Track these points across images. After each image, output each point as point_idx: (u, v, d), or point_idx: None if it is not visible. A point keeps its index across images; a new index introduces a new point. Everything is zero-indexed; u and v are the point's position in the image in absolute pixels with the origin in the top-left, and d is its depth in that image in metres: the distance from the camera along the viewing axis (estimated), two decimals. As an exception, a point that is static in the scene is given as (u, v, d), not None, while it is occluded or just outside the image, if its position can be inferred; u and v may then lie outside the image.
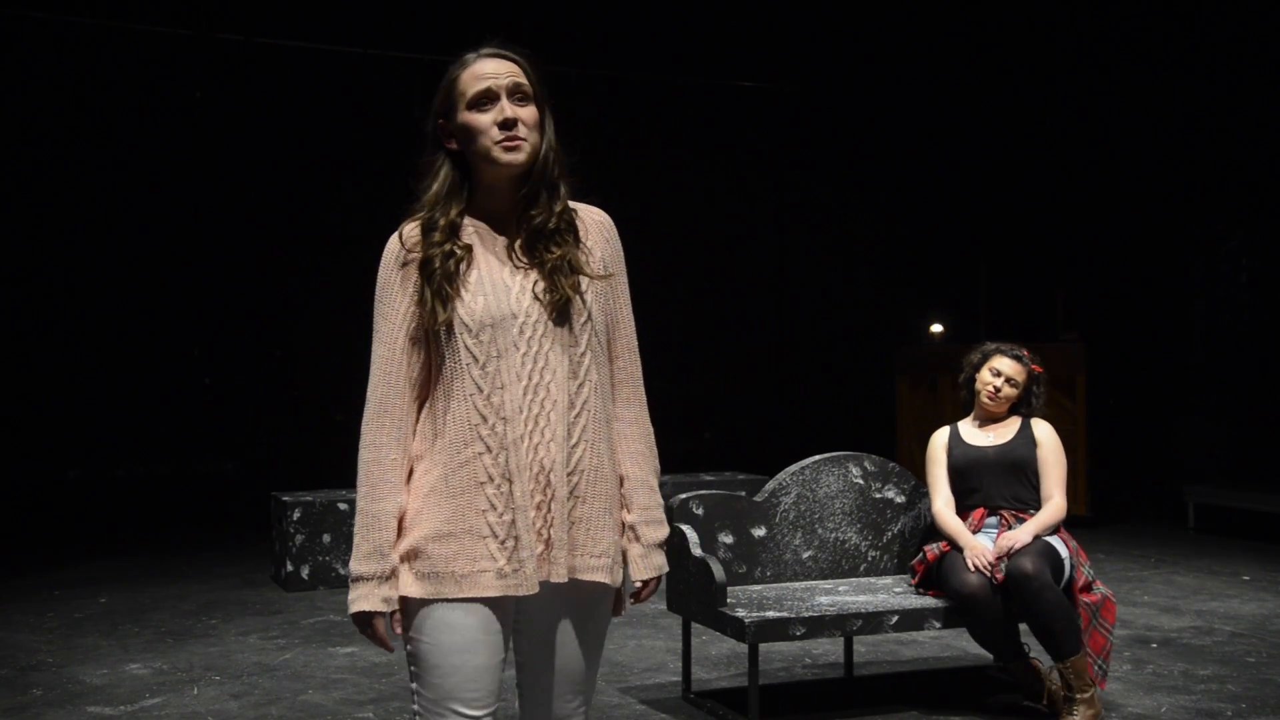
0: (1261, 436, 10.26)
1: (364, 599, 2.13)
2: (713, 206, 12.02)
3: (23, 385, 10.10)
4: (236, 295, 10.56)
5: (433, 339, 2.18)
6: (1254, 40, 10.14)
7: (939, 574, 4.39)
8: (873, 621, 4.24)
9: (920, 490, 4.80)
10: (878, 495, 4.77)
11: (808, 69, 11.81)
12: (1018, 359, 4.58)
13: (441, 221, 2.18)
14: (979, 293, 11.84)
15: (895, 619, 4.26)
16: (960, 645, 5.41)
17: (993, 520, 4.45)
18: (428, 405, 2.21)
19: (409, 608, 2.15)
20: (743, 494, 4.68)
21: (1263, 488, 9.04)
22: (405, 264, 2.18)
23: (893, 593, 4.50)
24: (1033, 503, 4.46)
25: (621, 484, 2.29)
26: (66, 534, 9.21)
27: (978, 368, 4.63)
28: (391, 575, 2.14)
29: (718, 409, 12.15)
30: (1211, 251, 11.08)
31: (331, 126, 10.08)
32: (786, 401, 12.37)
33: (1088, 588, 4.35)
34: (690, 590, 4.41)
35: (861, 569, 4.76)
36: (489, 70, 2.17)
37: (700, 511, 4.53)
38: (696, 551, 4.38)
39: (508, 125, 2.15)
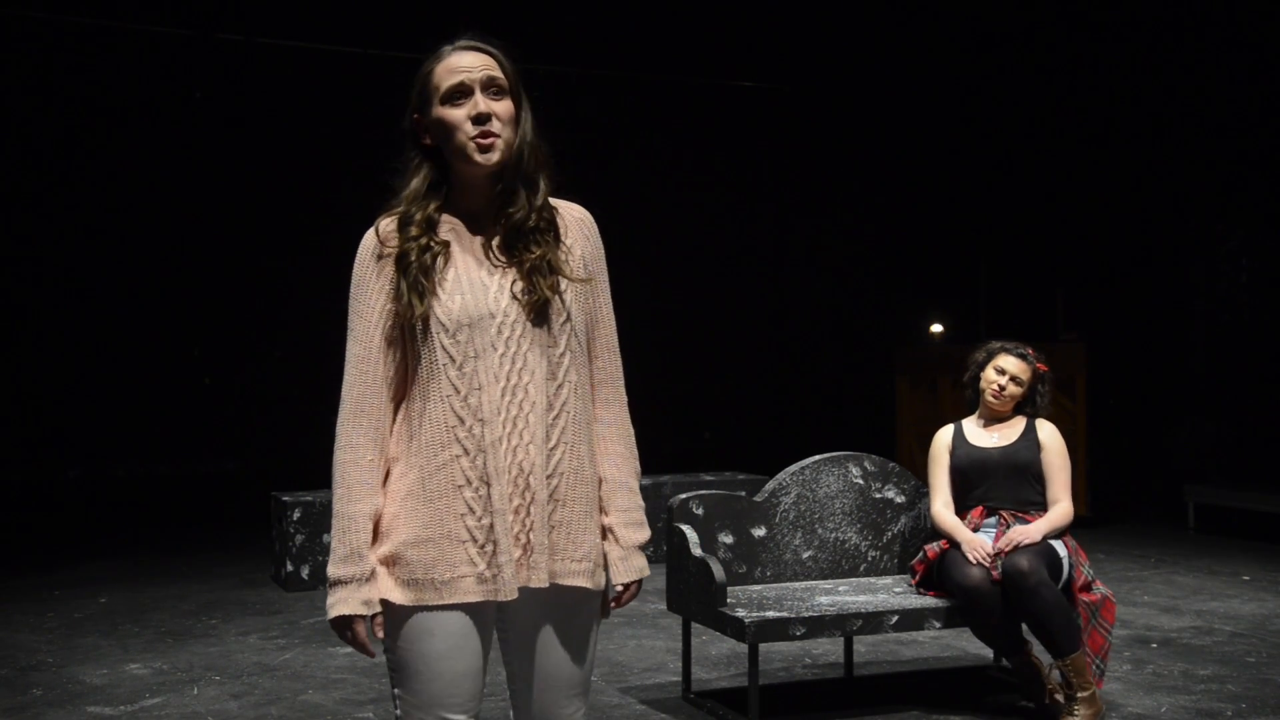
0: (1261, 436, 10.26)
1: (343, 603, 2.08)
2: (713, 206, 12.02)
3: (23, 385, 10.10)
4: (236, 295, 10.56)
5: (409, 338, 2.13)
6: (1254, 40, 10.14)
7: (939, 571, 4.39)
8: (873, 621, 4.24)
9: (920, 490, 4.80)
10: (878, 495, 4.77)
11: (808, 69, 11.81)
12: (1023, 357, 4.57)
13: (418, 216, 2.14)
14: (979, 293, 11.84)
15: (895, 619, 4.26)
16: (960, 645, 5.41)
17: (991, 520, 4.45)
18: (403, 406, 2.16)
19: (389, 614, 2.11)
20: (743, 494, 4.68)
21: (1263, 488, 9.04)
22: (381, 259, 2.14)
23: (893, 593, 4.50)
24: (1035, 504, 4.46)
25: (600, 486, 2.24)
26: (66, 534, 9.21)
27: (982, 366, 4.62)
28: (371, 577, 2.09)
29: (718, 409, 12.15)
30: (1211, 251, 11.08)
31: (332, 126, 10.08)
32: (786, 401, 12.37)
33: (1087, 587, 4.34)
34: (690, 590, 4.41)
35: (861, 569, 4.76)
36: (463, 64, 2.12)
37: (700, 511, 4.53)
38: (696, 551, 4.38)
39: (481, 120, 2.10)
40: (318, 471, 8.35)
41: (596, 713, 4.40)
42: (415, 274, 2.10)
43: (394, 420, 2.16)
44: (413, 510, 2.10)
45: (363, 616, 2.09)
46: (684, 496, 4.56)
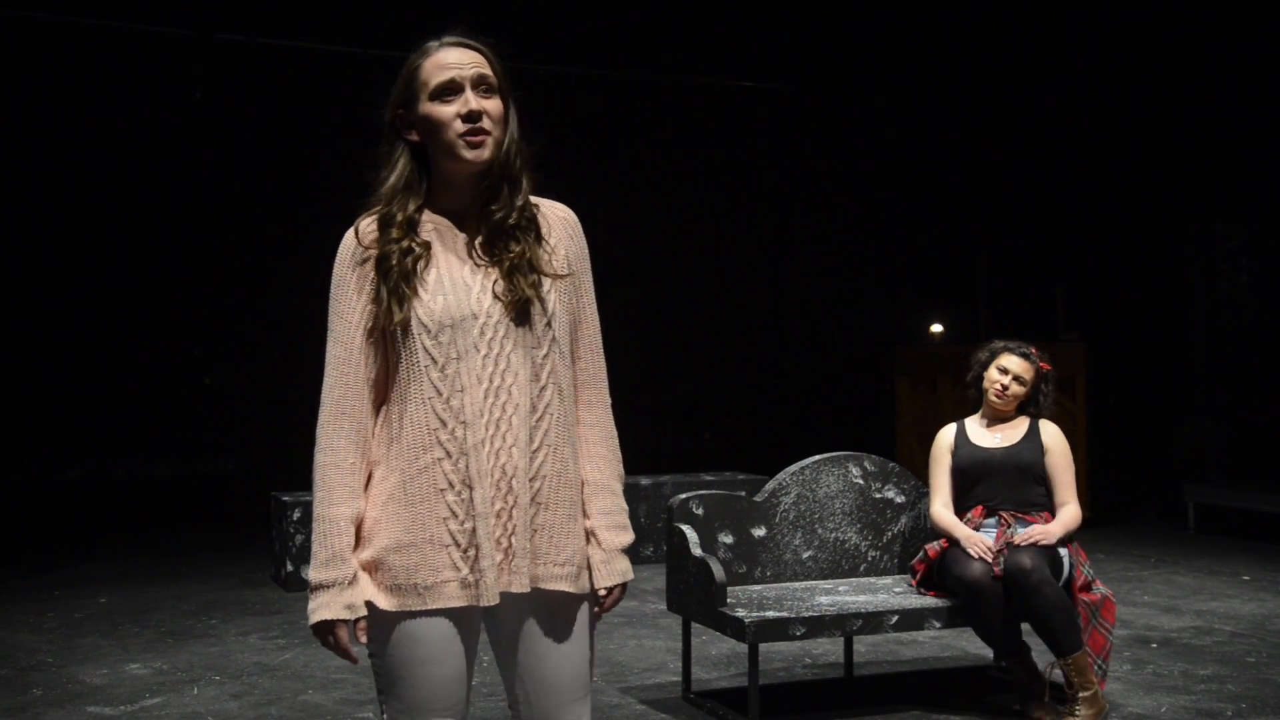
0: (1261, 436, 10.25)
1: (325, 607, 2.04)
2: (712, 206, 12.02)
3: (23, 385, 10.09)
4: (236, 295, 10.56)
5: (390, 339, 2.10)
6: (1254, 40, 10.14)
7: (940, 569, 4.39)
8: (873, 621, 4.24)
9: (920, 490, 4.80)
10: (878, 495, 4.77)
11: (808, 69, 11.80)
12: (1026, 357, 4.56)
13: (399, 216, 2.10)
14: (979, 293, 11.83)
15: (895, 619, 4.26)
16: (960, 645, 5.41)
17: (991, 520, 4.45)
18: (384, 409, 2.13)
19: (373, 620, 2.09)
20: (743, 494, 4.68)
21: (1263, 488, 9.04)
22: (362, 261, 2.10)
23: (893, 593, 4.50)
24: (1036, 505, 4.45)
25: (583, 488, 2.21)
26: (66, 534, 9.22)
27: (985, 366, 4.60)
28: (353, 581, 2.06)
29: (718, 409, 12.15)
30: (1211, 251, 11.08)
31: (332, 126, 10.07)
32: (786, 401, 12.36)
33: (1087, 587, 4.34)
34: (690, 590, 4.41)
35: (861, 569, 4.76)
36: (453, 60, 2.09)
37: (700, 511, 4.53)
38: (696, 551, 4.38)
39: (472, 118, 2.07)
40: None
41: (596, 713, 4.40)
42: (396, 278, 2.07)
43: (375, 423, 2.13)
44: (394, 515, 2.07)
45: (345, 621, 2.05)
46: (684, 496, 4.56)
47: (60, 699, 4.75)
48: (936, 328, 11.97)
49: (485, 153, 2.08)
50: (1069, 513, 4.41)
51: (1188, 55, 10.59)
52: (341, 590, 2.05)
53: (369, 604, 2.08)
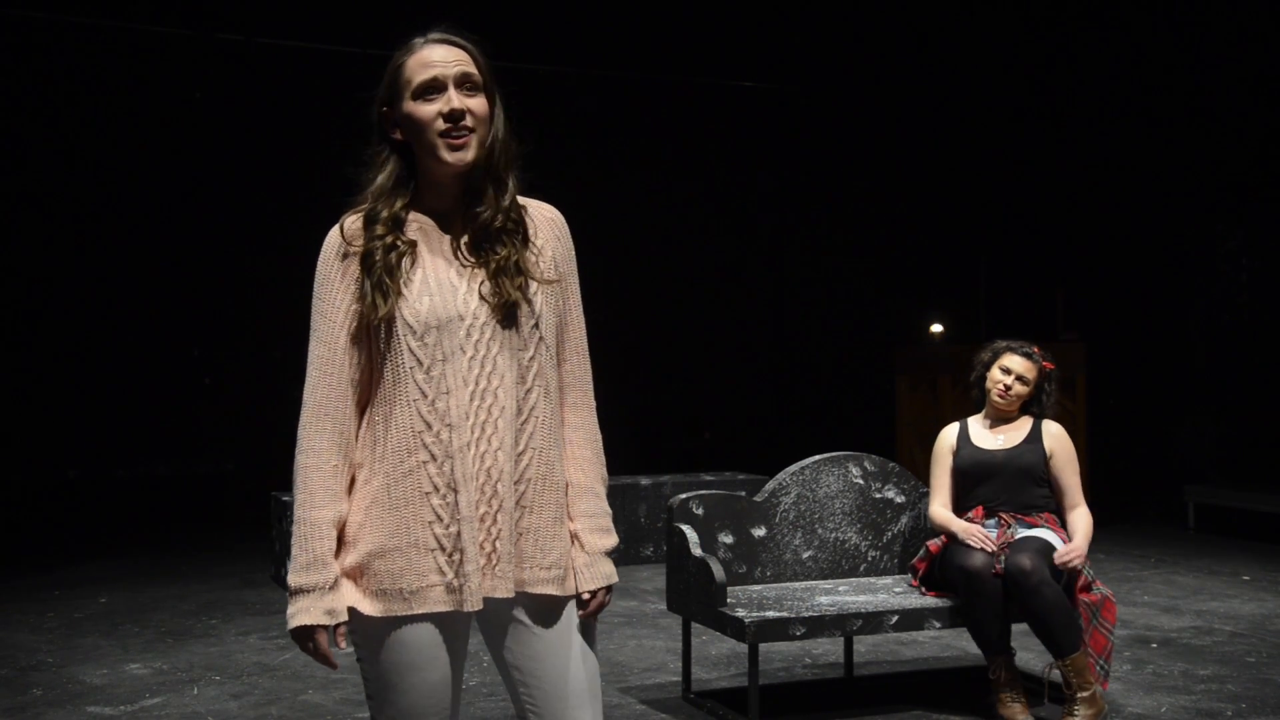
0: (1261, 436, 10.25)
1: (304, 613, 2.01)
2: (712, 206, 12.02)
3: (23, 385, 10.09)
4: (236, 295, 10.56)
5: (374, 340, 2.06)
6: (1254, 40, 10.14)
7: (942, 563, 4.38)
8: (873, 621, 4.24)
9: (921, 490, 4.80)
10: (878, 495, 4.77)
11: (808, 69, 11.80)
12: (1028, 356, 4.54)
13: (384, 214, 2.07)
14: (979, 293, 11.84)
15: (895, 619, 4.26)
16: (960, 645, 5.41)
17: (991, 521, 4.45)
18: (368, 410, 2.09)
19: (358, 626, 2.07)
20: (743, 494, 4.68)
21: (1263, 488, 9.04)
22: (346, 258, 2.07)
23: (893, 593, 4.50)
24: (1037, 507, 4.44)
25: (566, 491, 2.18)
26: (66, 534, 9.22)
27: (988, 366, 4.59)
28: (334, 586, 2.03)
29: (718, 409, 12.15)
30: (1211, 251, 11.08)
31: (332, 126, 10.06)
32: (786, 401, 12.36)
33: (1087, 587, 4.34)
34: (690, 590, 4.41)
35: (861, 569, 4.76)
36: (436, 58, 2.05)
37: (700, 511, 4.53)
38: (696, 551, 4.38)
39: (454, 117, 2.03)
40: (318, 471, 8.39)
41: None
42: (380, 274, 2.04)
43: (359, 424, 2.10)
44: (378, 519, 2.05)
45: (325, 627, 2.02)
46: (684, 496, 4.56)
47: (60, 699, 4.75)
48: (936, 328, 11.98)
49: (468, 154, 2.06)
50: (1085, 521, 4.39)
51: (1188, 55, 10.59)
52: (322, 595, 2.02)
53: (354, 610, 2.05)
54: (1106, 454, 10.01)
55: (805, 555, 4.68)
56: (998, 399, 4.53)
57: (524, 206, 2.16)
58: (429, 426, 2.04)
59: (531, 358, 2.10)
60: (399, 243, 2.06)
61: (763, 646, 4.55)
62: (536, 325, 2.10)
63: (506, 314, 2.07)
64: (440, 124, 2.04)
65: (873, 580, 4.72)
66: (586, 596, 2.17)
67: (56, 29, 9.76)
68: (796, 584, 4.63)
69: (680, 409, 11.89)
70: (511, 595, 2.07)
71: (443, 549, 2.04)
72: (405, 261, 2.06)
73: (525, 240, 2.12)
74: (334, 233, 2.12)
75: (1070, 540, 4.35)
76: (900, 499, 4.80)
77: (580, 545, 2.17)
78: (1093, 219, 11.50)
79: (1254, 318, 10.77)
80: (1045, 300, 10.82)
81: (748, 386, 12.30)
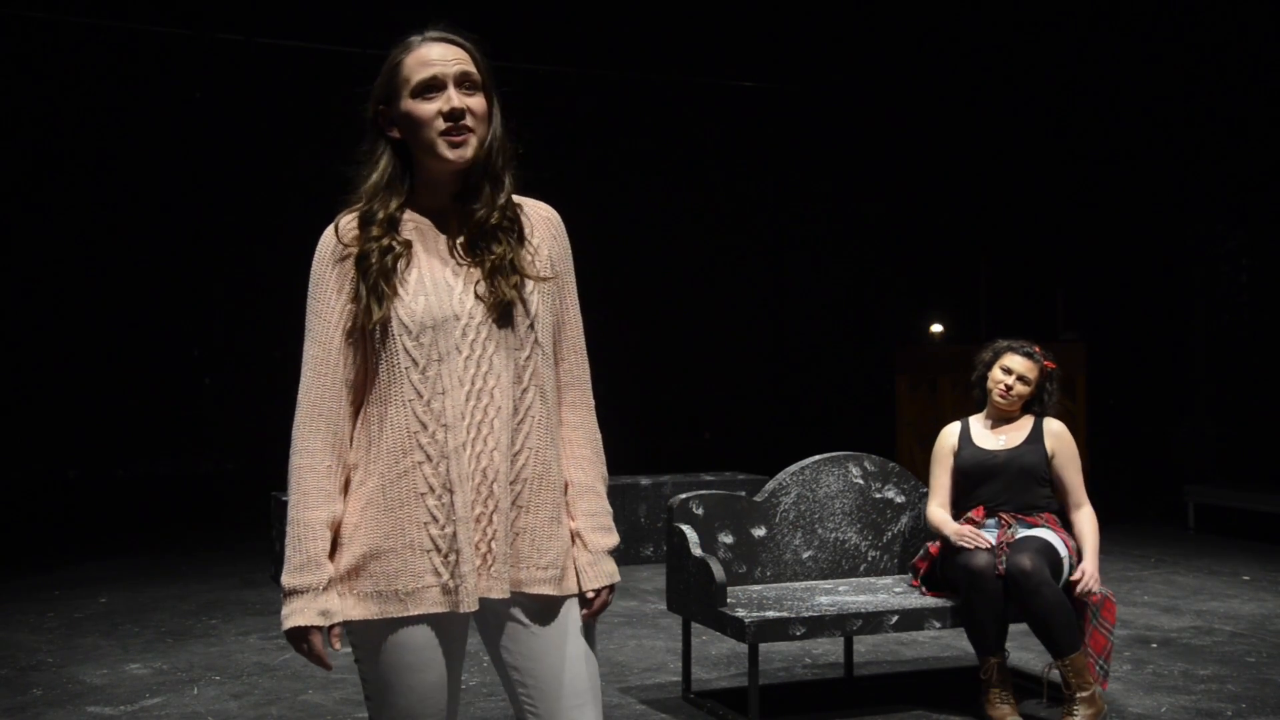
0: (1261, 437, 10.26)
1: (298, 614, 2.00)
2: (712, 206, 12.02)
3: (23, 385, 10.10)
4: (236, 296, 10.56)
5: (370, 341, 2.05)
6: (1254, 40, 10.14)
7: (944, 562, 4.38)
8: (873, 621, 4.24)
9: (920, 490, 4.80)
10: (878, 495, 4.77)
11: (808, 69, 11.81)
12: (1029, 356, 4.53)
13: (380, 214, 2.06)
14: (979, 292, 11.84)
15: (895, 619, 4.26)
16: (960, 645, 5.41)
17: (991, 521, 4.44)
18: (363, 411, 2.08)
19: (355, 629, 2.06)
20: (743, 494, 4.68)
21: (1263, 488, 9.04)
22: (341, 259, 2.06)
23: (893, 593, 4.50)
24: (1039, 508, 4.44)
25: (566, 490, 2.17)
26: (66, 534, 9.22)
27: (989, 366, 4.57)
28: (328, 587, 2.01)
29: (718, 409, 12.15)
30: (1211, 251, 11.08)
31: (332, 127, 10.04)
32: (786, 401, 12.36)
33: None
34: (690, 590, 4.41)
35: (861, 569, 4.76)
36: (435, 56, 2.04)
37: (700, 511, 4.53)
38: (696, 551, 4.38)
39: (454, 116, 2.02)
40: (318, 471, 8.41)
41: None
42: (375, 277, 2.03)
43: (354, 425, 2.09)
44: (373, 520, 2.03)
45: (319, 628, 2.01)
46: (684, 496, 4.55)
47: (60, 699, 4.75)
48: (936, 328, 11.98)
49: (468, 152, 2.04)
50: (1092, 530, 4.37)
51: (1188, 55, 10.59)
52: (316, 596, 2.01)
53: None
54: (1106, 454, 10.01)
55: (805, 555, 4.68)
56: (999, 399, 4.51)
57: (520, 205, 2.15)
58: (424, 427, 2.03)
59: (528, 357, 2.09)
60: (394, 244, 2.05)
61: (763, 646, 4.55)
62: (533, 325, 2.09)
63: (502, 313, 2.06)
64: (440, 123, 2.03)
65: (873, 580, 4.71)
66: (590, 595, 2.16)
67: (56, 29, 9.76)
68: (796, 584, 4.63)
69: (680, 409, 11.90)
70: (507, 596, 2.06)
71: (438, 550, 2.03)
72: (400, 263, 2.06)
73: (521, 239, 2.11)
74: (329, 233, 2.11)
75: (1067, 542, 4.35)
76: (900, 499, 4.80)
77: (583, 544, 2.16)
78: (1093, 219, 11.51)
79: (1254, 318, 10.77)
80: (1045, 300, 10.82)
81: (748, 386, 12.30)
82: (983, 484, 4.46)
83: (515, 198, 2.14)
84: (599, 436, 2.24)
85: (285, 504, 7.05)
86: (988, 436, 4.54)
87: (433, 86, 2.04)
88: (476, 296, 2.05)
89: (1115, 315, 11.24)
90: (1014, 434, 4.52)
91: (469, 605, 2.02)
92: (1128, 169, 11.23)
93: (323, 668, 2.06)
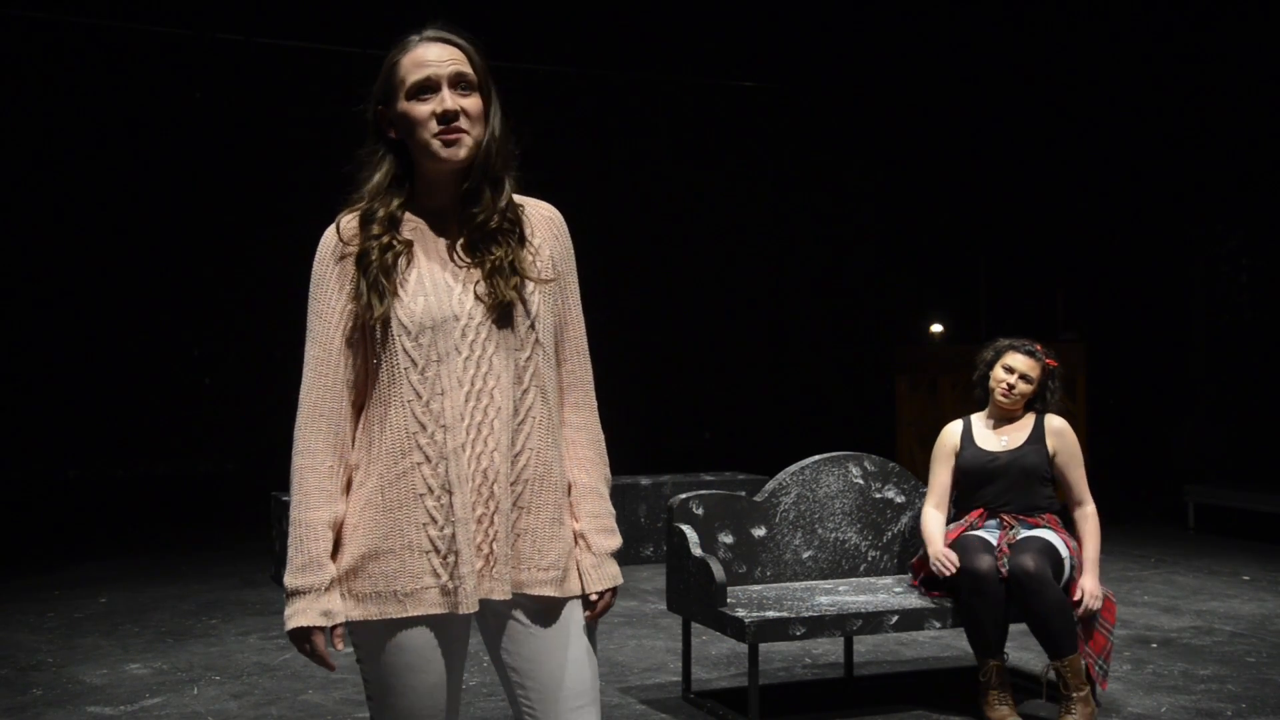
0: (1261, 436, 10.26)
1: (301, 614, 2.00)
2: (712, 206, 12.02)
3: (23, 385, 10.10)
4: (236, 295, 10.56)
5: (369, 341, 2.05)
6: (1253, 40, 10.14)
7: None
8: (873, 621, 4.24)
9: (920, 490, 4.80)
10: (878, 495, 4.77)
11: (808, 69, 11.81)
12: (1031, 354, 4.51)
13: (381, 213, 2.06)
14: (979, 292, 11.85)
15: (895, 619, 4.26)
16: (960, 645, 5.40)
17: (993, 522, 4.44)
18: (364, 411, 2.08)
19: (356, 629, 2.06)
20: (743, 494, 4.68)
21: (1263, 488, 9.04)
22: (342, 258, 2.06)
23: (893, 593, 4.50)
24: (1042, 508, 4.43)
25: (570, 492, 2.16)
26: (66, 534, 9.22)
27: (991, 365, 4.54)
28: (330, 587, 2.02)
29: (718, 409, 12.15)
30: (1211, 251, 11.08)
31: (332, 127, 10.05)
32: (786, 401, 12.36)
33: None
34: (690, 590, 4.41)
35: (861, 569, 4.76)
36: (430, 57, 2.04)
37: (700, 511, 4.53)
38: (696, 551, 4.38)
39: (447, 118, 2.02)
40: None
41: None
42: (375, 274, 2.02)
43: (356, 425, 2.09)
44: (372, 520, 2.03)
45: (321, 628, 2.01)
46: (684, 496, 4.56)
47: (60, 699, 4.75)
48: (936, 328, 11.99)
49: (460, 152, 2.03)
50: (1093, 530, 4.37)
51: (1187, 55, 10.59)
52: (318, 596, 2.01)
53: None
54: (1107, 454, 10.01)
55: (805, 555, 4.68)
56: (1002, 398, 4.49)
57: (520, 205, 2.14)
58: (424, 428, 2.02)
59: (528, 358, 2.08)
60: (395, 242, 2.05)
61: (763, 646, 4.55)
62: (533, 325, 2.08)
63: (502, 314, 2.05)
64: (434, 124, 2.03)
65: (873, 580, 4.71)
66: (594, 598, 2.16)
67: (56, 29, 9.76)
68: (796, 584, 4.63)
69: (680, 409, 11.90)
70: (508, 597, 2.06)
71: (437, 551, 2.02)
72: (401, 262, 2.05)
73: (521, 240, 2.11)
74: (330, 232, 2.10)
75: (1067, 542, 4.34)
76: (900, 499, 4.80)
77: (586, 546, 2.16)
78: (1093, 219, 11.50)
79: (1254, 318, 10.77)
80: (1045, 300, 10.83)
81: (748, 386, 12.30)
82: (984, 485, 4.45)
83: (516, 197, 2.13)
84: (602, 437, 2.23)
85: (285, 504, 7.02)
86: (990, 437, 4.52)
87: (427, 87, 2.04)
88: (476, 297, 2.05)
89: (1115, 315, 11.24)
90: (1016, 434, 4.50)
91: (468, 607, 2.02)
92: (1127, 169, 11.23)
93: (326, 668, 2.06)
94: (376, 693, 2.09)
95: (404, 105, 2.05)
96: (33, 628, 6.07)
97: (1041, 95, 11.54)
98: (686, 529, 4.45)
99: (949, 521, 4.54)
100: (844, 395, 12.23)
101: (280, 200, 10.29)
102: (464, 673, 2.21)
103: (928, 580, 4.49)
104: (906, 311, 12.22)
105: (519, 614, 2.11)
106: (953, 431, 4.59)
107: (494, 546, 2.04)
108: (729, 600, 4.31)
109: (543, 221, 2.17)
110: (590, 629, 2.17)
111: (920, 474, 4.90)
